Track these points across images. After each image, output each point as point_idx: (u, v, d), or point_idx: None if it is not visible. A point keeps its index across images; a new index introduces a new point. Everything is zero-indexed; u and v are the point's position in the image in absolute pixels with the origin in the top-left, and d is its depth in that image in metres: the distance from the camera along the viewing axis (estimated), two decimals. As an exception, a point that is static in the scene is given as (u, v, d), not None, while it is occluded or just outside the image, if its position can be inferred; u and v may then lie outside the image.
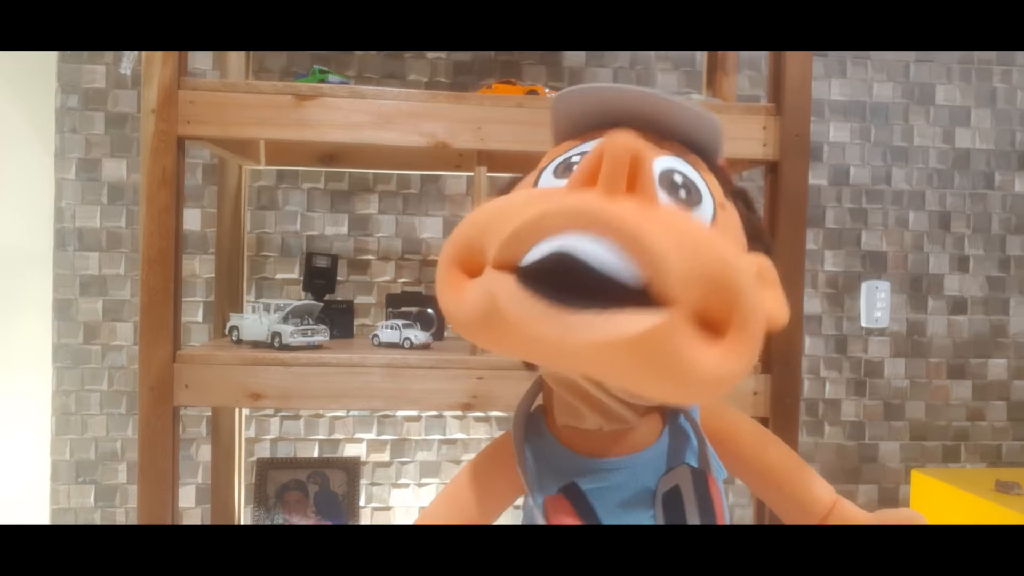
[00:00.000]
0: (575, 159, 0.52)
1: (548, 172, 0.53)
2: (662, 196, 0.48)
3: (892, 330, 1.61)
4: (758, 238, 0.55)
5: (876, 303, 1.59)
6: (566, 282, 0.42)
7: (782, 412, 1.04)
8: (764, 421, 1.03)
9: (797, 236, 1.05)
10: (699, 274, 0.41)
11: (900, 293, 1.61)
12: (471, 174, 1.42)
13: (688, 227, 0.43)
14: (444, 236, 1.51)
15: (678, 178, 0.50)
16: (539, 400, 0.61)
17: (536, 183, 0.54)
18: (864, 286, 1.59)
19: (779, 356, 1.05)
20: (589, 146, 0.53)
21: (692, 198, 0.50)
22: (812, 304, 1.58)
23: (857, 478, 1.60)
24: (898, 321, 1.61)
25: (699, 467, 0.55)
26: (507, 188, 0.60)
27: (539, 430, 0.58)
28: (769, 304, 0.47)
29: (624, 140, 0.43)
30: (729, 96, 1.34)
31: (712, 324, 0.42)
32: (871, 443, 1.61)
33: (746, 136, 1.04)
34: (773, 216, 1.05)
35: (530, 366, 0.59)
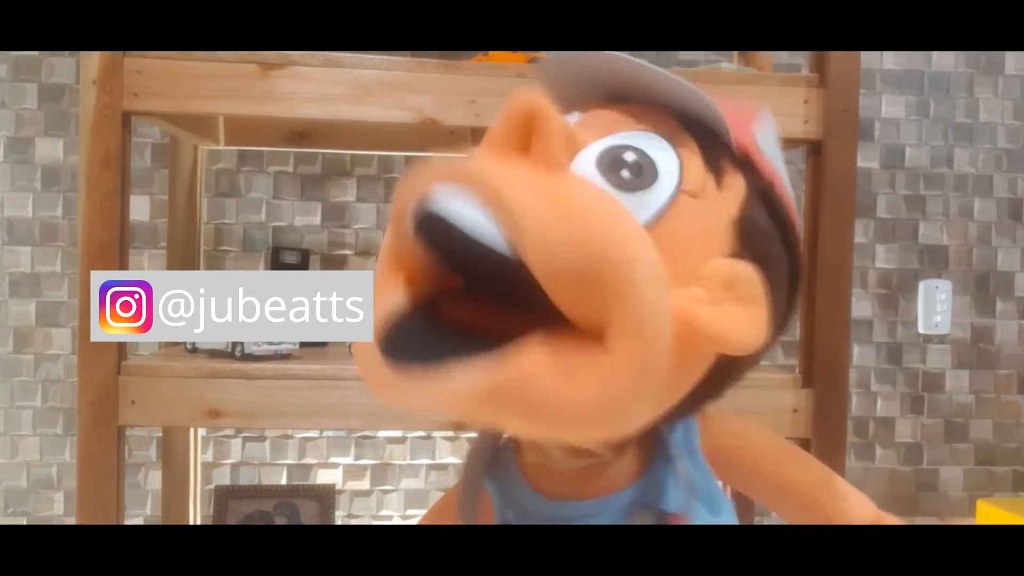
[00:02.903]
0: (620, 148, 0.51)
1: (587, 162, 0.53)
2: (589, 171, 0.47)
3: (954, 337, 1.61)
4: (763, 249, 0.52)
5: (936, 306, 1.59)
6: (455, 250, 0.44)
7: (826, 432, 1.04)
8: (805, 443, 1.03)
9: (844, 228, 1.05)
10: (569, 252, 0.40)
11: (963, 294, 1.61)
12: (464, 156, 1.42)
13: (571, 193, 0.42)
14: (433, 227, 1.51)
15: (629, 156, 0.48)
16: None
17: None
18: (922, 286, 1.59)
19: (823, 367, 1.05)
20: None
21: (639, 180, 0.48)
22: (861, 307, 1.58)
23: (914, 509, 1.60)
24: (961, 327, 1.61)
25: (670, 509, 0.53)
26: None
27: (507, 467, 0.58)
28: (721, 319, 0.45)
29: (524, 98, 0.44)
30: (765, 66, 1.34)
31: (591, 329, 0.40)
32: (930, 468, 1.61)
33: (785, 112, 1.04)
34: (816, 205, 1.05)
35: None
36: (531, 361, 0.40)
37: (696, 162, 0.50)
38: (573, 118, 0.52)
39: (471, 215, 0.42)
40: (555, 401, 0.40)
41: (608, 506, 0.54)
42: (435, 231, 0.45)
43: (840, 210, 1.04)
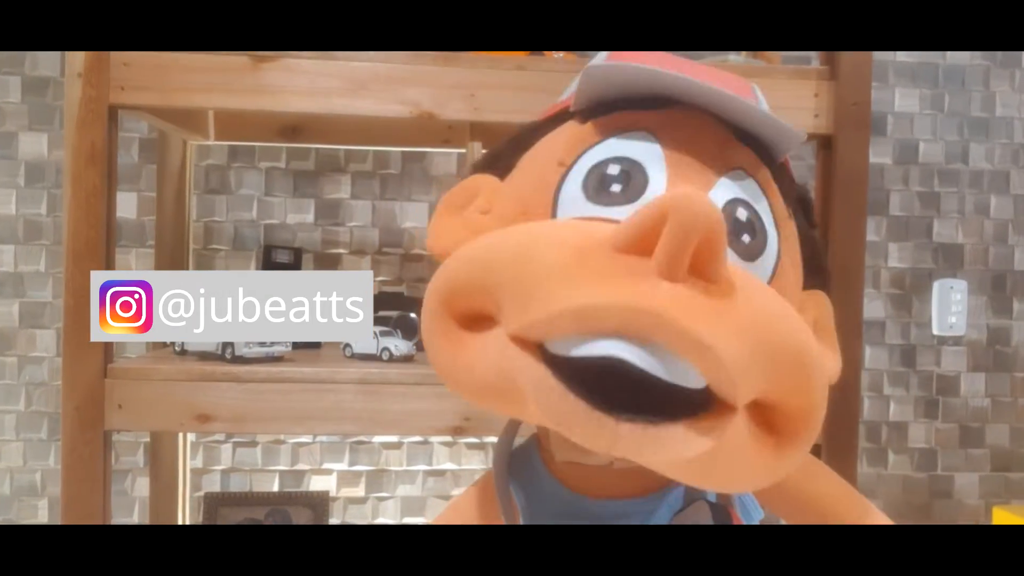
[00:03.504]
0: (612, 170, 0.50)
1: (574, 184, 0.50)
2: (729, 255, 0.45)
3: (970, 339, 1.61)
4: (815, 262, 0.55)
5: (951, 306, 1.59)
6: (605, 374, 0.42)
7: (837, 438, 1.04)
8: (815, 449, 1.03)
9: (855, 226, 1.05)
10: (767, 367, 0.43)
11: (979, 294, 1.61)
12: (463, 151, 1.42)
13: (758, 315, 0.43)
14: (430, 225, 1.51)
15: (742, 214, 0.49)
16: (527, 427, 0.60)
17: (557, 193, 0.51)
18: (936, 286, 1.59)
19: (834, 370, 1.05)
20: (627, 147, 0.50)
21: (756, 243, 0.49)
22: (874, 307, 1.58)
23: (928, 517, 1.60)
24: (977, 328, 1.61)
25: (719, 502, 0.54)
26: (489, 164, 0.59)
27: (532, 468, 0.58)
28: (824, 362, 0.48)
29: (694, 209, 0.40)
30: (773, 58, 1.34)
31: (769, 411, 0.45)
32: (944, 475, 1.61)
33: (794, 105, 1.04)
34: (827, 202, 1.05)
35: None
36: (742, 435, 0.43)
37: (775, 193, 0.52)
38: (633, 144, 0.51)
39: (660, 366, 0.41)
40: (750, 473, 0.45)
41: (647, 507, 0.55)
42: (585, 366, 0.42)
43: (851, 207, 1.05)
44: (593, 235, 0.44)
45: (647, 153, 0.50)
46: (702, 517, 0.54)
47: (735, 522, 0.55)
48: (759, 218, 0.50)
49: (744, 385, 0.42)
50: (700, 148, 0.50)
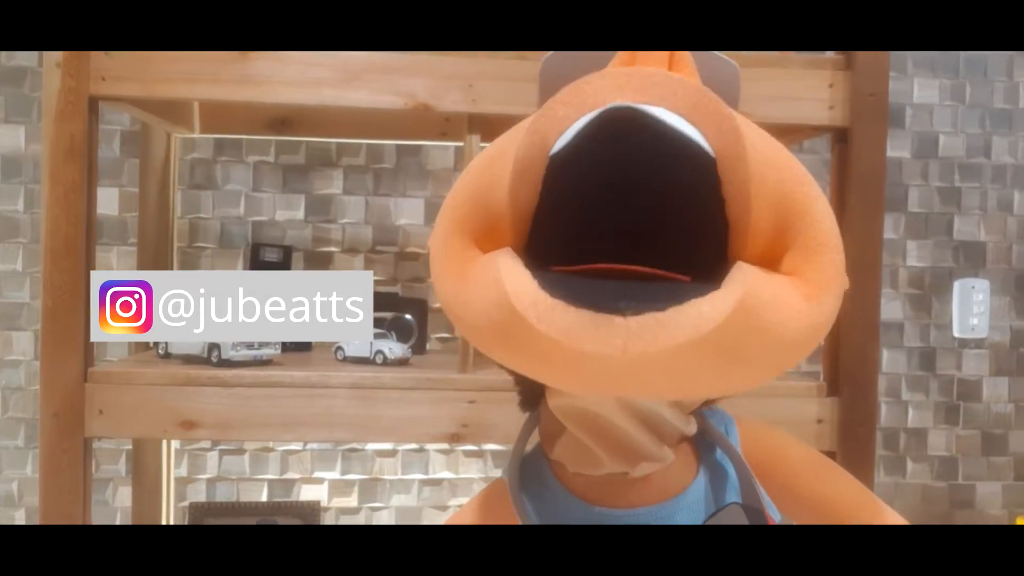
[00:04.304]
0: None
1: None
2: None
3: (992, 341, 1.61)
4: None
5: (972, 307, 1.59)
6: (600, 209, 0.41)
7: (853, 445, 1.04)
8: (831, 456, 1.03)
9: (872, 223, 1.05)
10: (774, 183, 0.42)
11: (1002, 294, 1.61)
12: (460, 144, 1.42)
13: (764, 138, 0.44)
14: (426, 222, 1.51)
15: None
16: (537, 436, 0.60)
17: None
18: (957, 286, 1.59)
19: (849, 374, 1.05)
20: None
21: None
22: (892, 308, 1.58)
23: (948, 528, 1.59)
24: (1000, 330, 1.61)
25: (751, 504, 0.55)
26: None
27: (542, 478, 0.58)
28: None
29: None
30: (786, 46, 1.34)
31: (775, 255, 0.43)
32: (966, 484, 1.61)
33: (808, 96, 1.04)
34: (842, 198, 1.05)
35: (525, 392, 0.59)
36: (761, 288, 0.42)
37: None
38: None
39: (670, 119, 0.41)
40: (786, 333, 0.42)
41: (663, 513, 0.55)
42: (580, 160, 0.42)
43: (868, 204, 1.04)
44: None
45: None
46: (736, 520, 0.54)
47: (769, 523, 0.55)
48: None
49: (750, 165, 0.41)
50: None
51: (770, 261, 0.43)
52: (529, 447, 0.61)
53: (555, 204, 0.43)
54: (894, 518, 0.62)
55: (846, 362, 1.05)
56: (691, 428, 0.56)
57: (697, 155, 0.41)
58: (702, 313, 0.40)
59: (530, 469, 0.59)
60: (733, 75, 0.53)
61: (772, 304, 0.42)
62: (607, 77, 0.43)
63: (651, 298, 0.40)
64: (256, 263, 1.30)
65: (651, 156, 0.40)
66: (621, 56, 0.46)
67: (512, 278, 0.43)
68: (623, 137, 0.41)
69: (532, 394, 0.58)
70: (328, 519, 1.48)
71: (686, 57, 0.45)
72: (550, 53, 0.54)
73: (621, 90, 0.41)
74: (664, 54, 0.44)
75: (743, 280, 0.41)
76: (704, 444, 0.57)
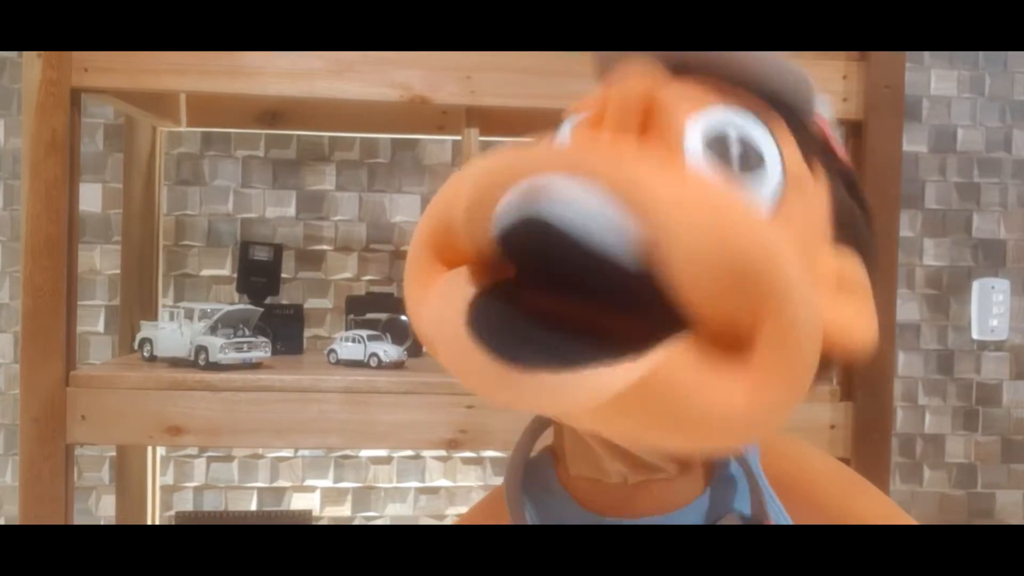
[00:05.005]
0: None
1: (567, 126, 0.53)
2: (698, 154, 0.47)
3: (1013, 343, 1.61)
4: (858, 234, 0.54)
5: (992, 308, 1.59)
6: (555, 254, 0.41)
7: (868, 452, 1.04)
8: (844, 463, 1.03)
9: (888, 220, 1.05)
10: (717, 255, 0.40)
11: (1023, 295, 1.61)
12: (458, 138, 1.42)
13: (712, 189, 0.42)
14: (423, 220, 1.51)
15: (732, 132, 0.49)
16: (546, 438, 0.61)
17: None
18: (976, 285, 1.60)
19: (864, 378, 1.05)
20: None
21: (747, 163, 0.49)
22: (908, 309, 1.58)
23: (967, 539, 1.60)
24: (1021, 332, 1.61)
25: (754, 515, 0.55)
26: None
27: (546, 483, 0.58)
28: (840, 317, 0.47)
29: (637, 73, 0.43)
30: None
31: (736, 336, 0.41)
32: (985, 492, 1.61)
33: (821, 88, 1.04)
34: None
35: None
36: (681, 366, 0.40)
37: (793, 146, 0.51)
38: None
39: (585, 219, 0.40)
40: (705, 409, 0.41)
41: (667, 523, 0.54)
42: (524, 234, 0.42)
43: (883, 200, 1.04)
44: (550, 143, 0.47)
45: None
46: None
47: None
48: (752, 145, 0.49)
49: (677, 250, 0.40)
50: (701, 92, 0.51)
51: (722, 335, 0.41)
52: (538, 447, 0.61)
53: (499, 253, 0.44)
54: None
55: (860, 365, 1.05)
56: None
57: (610, 240, 0.40)
58: (596, 382, 0.40)
59: (535, 472, 0.59)
60: (799, 80, 0.53)
61: (691, 386, 0.40)
62: (541, 151, 0.43)
63: (550, 352, 0.41)
64: (245, 262, 1.30)
65: (558, 237, 0.40)
66: (590, 116, 0.46)
67: (443, 304, 0.45)
68: (529, 221, 0.41)
69: None
70: (320, 529, 1.49)
71: (657, 114, 0.44)
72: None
73: (548, 166, 0.42)
74: (632, 113, 0.44)
75: (663, 355, 0.40)
76: (718, 457, 0.57)
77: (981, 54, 1.60)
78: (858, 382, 1.05)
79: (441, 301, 0.46)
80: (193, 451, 1.48)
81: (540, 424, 0.60)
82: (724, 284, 0.40)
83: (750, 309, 0.40)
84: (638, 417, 0.41)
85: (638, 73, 0.44)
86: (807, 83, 0.52)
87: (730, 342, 0.41)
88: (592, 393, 0.40)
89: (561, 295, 0.42)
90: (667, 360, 0.40)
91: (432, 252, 0.49)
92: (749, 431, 0.43)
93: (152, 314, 1.34)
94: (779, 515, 0.58)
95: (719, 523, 0.54)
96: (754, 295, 0.40)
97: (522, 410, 0.43)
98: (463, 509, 1.49)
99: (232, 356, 1.06)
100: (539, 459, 0.60)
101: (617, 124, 0.43)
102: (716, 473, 0.57)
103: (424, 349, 1.34)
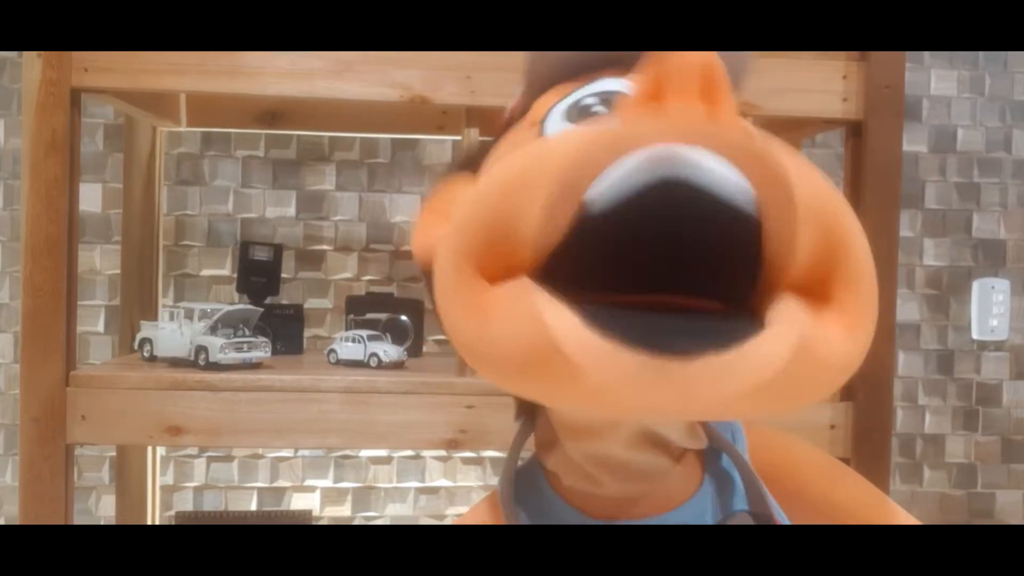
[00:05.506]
0: (589, 101, 0.52)
1: (555, 119, 0.52)
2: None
3: (1013, 343, 1.61)
4: None
5: (991, 308, 1.59)
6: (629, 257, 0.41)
7: (867, 451, 1.04)
8: (844, 463, 1.03)
9: (888, 220, 1.05)
10: (820, 212, 0.42)
11: (1023, 295, 1.61)
12: (458, 138, 1.42)
13: (793, 157, 0.44)
14: (423, 220, 1.51)
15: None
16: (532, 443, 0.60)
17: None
18: (976, 285, 1.60)
19: (864, 378, 1.05)
20: (607, 84, 0.52)
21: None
22: (908, 309, 1.58)
23: (967, 539, 1.60)
24: (1021, 332, 1.61)
25: (760, 513, 0.55)
26: (473, 160, 0.59)
27: (538, 489, 0.58)
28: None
29: (688, 53, 0.43)
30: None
31: (814, 286, 0.43)
32: (985, 492, 1.61)
33: (821, 88, 1.04)
34: (857, 193, 1.05)
35: (523, 400, 0.59)
36: (812, 325, 0.42)
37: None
38: (609, 81, 0.53)
39: (721, 180, 0.41)
40: (838, 363, 0.43)
41: (669, 521, 0.54)
42: (657, 197, 0.41)
43: (883, 200, 1.04)
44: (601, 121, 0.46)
45: (625, 85, 0.51)
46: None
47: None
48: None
49: (799, 212, 0.41)
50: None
51: (803, 289, 0.43)
52: (526, 454, 0.61)
53: (584, 241, 0.42)
54: (907, 520, 0.62)
55: (860, 365, 1.05)
56: (700, 443, 0.56)
57: (741, 201, 0.41)
58: (765, 355, 0.40)
59: (525, 480, 0.59)
60: (739, 61, 0.53)
61: (824, 340, 0.42)
62: (646, 121, 0.42)
63: (702, 335, 0.40)
64: (245, 262, 1.31)
65: (693, 201, 0.40)
66: (645, 88, 0.45)
67: (552, 314, 0.41)
68: (664, 185, 0.40)
69: (529, 402, 0.58)
70: (320, 529, 1.49)
71: (717, 82, 0.44)
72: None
73: (662, 135, 0.41)
74: (694, 81, 0.43)
75: (794, 318, 0.41)
76: (710, 452, 0.58)
77: (981, 54, 1.60)
78: (858, 382, 1.05)
79: (527, 311, 0.42)
80: (193, 451, 1.48)
81: (527, 430, 0.60)
82: (816, 236, 0.42)
83: (825, 258, 0.43)
84: (791, 384, 0.41)
85: (689, 53, 0.44)
86: (745, 64, 0.54)
87: (804, 289, 0.43)
88: (762, 366, 0.40)
89: (642, 286, 0.41)
90: (803, 323, 0.41)
91: (476, 268, 0.45)
92: (855, 368, 0.45)
93: (152, 314, 1.34)
94: (775, 509, 0.58)
95: (729, 523, 0.54)
96: (832, 243, 0.43)
97: (675, 413, 0.43)
98: (463, 509, 1.49)
99: (232, 356, 1.06)
100: (528, 467, 0.60)
101: (682, 94, 0.43)
102: (710, 468, 0.57)
103: (425, 349, 1.35)
